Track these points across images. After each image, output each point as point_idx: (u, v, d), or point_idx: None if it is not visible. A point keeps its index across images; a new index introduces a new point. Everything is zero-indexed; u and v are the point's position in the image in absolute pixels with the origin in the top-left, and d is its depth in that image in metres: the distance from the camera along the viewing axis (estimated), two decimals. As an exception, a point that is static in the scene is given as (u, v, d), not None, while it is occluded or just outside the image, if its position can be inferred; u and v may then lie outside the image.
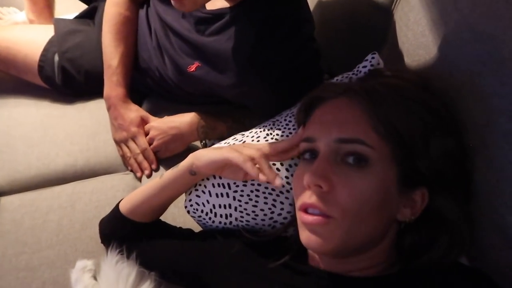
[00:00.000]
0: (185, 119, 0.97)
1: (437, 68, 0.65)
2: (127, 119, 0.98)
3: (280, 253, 0.61)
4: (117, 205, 0.75)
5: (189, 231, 0.75)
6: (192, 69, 0.89)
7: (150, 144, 0.98)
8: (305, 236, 0.52)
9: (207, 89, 0.92)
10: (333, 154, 0.53)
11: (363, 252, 0.54)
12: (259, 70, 0.82)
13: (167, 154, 0.99)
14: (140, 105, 1.05)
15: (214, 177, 0.71)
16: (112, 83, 0.98)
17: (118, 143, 1.01)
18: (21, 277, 0.83)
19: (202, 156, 0.67)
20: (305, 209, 0.52)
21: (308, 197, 0.52)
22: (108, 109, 1.01)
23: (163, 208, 0.75)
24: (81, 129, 1.06)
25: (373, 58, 0.71)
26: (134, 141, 0.98)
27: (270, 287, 0.58)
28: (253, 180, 0.69)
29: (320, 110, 0.58)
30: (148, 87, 1.08)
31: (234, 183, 0.70)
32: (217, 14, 0.84)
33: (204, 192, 0.72)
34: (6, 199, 0.95)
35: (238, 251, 0.65)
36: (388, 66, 0.72)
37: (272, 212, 0.69)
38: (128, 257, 0.71)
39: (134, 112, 0.99)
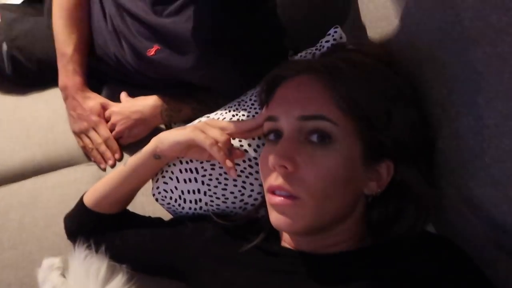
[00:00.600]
0: (147, 103, 0.94)
1: (399, 39, 0.65)
2: (86, 108, 0.93)
3: (252, 236, 0.61)
4: (81, 198, 0.73)
5: (159, 219, 0.73)
6: (151, 53, 0.85)
7: (112, 131, 0.94)
8: (274, 217, 0.52)
9: (169, 73, 0.89)
10: (296, 132, 0.52)
11: (333, 228, 0.54)
12: (221, 50, 0.79)
13: (131, 139, 0.95)
14: (99, 92, 1.01)
15: (181, 163, 0.69)
16: (68, 72, 0.93)
17: (78, 134, 0.96)
18: (-16, 281, 0.79)
19: (165, 138, 0.65)
20: (272, 191, 0.52)
21: (274, 179, 0.52)
22: (65, 99, 0.96)
23: (130, 197, 0.73)
24: (37, 121, 1.00)
25: (335, 32, 0.71)
26: (95, 130, 0.94)
27: (244, 271, 0.58)
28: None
29: (282, 89, 0.57)
30: (106, 74, 1.03)
31: (202, 167, 0.68)
32: None
33: (171, 179, 0.70)
34: (-39, 200, 0.90)
35: (211, 237, 0.64)
36: (350, 40, 0.71)
37: (242, 195, 0.68)
38: (96, 251, 0.69)
39: (93, 100, 0.95)
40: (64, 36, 0.94)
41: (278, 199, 0.51)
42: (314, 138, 0.51)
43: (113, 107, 0.96)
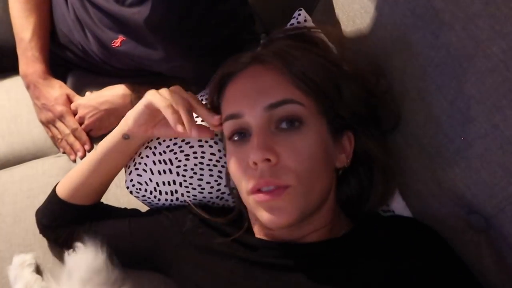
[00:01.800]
0: (116, 92, 0.90)
1: (373, 23, 0.64)
2: (50, 98, 0.89)
3: (231, 228, 0.60)
4: (54, 190, 0.70)
5: (136, 211, 0.71)
6: (117, 44, 0.81)
7: (81, 124, 0.90)
8: (267, 217, 0.50)
9: (136, 64, 0.85)
10: (266, 124, 0.52)
11: (317, 212, 0.55)
12: (188, 41, 0.76)
13: (102, 131, 0.91)
14: (64, 80, 0.96)
15: (154, 154, 0.68)
16: (28, 59, 0.88)
17: (45, 124, 0.92)
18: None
19: (129, 115, 0.63)
20: (257, 190, 0.50)
21: (258, 177, 0.50)
22: (27, 87, 0.91)
23: (104, 186, 0.70)
24: (-1, 111, 0.95)
25: (299, 15, 0.70)
26: (61, 121, 0.90)
27: (225, 262, 0.57)
28: (196, 153, 0.67)
29: (234, 85, 0.56)
30: (72, 62, 0.98)
31: (176, 158, 0.67)
32: None
33: (145, 171, 0.68)
34: None
35: (191, 228, 0.63)
36: (316, 23, 0.70)
37: (219, 184, 0.67)
38: (71, 246, 0.66)
39: (57, 89, 0.90)
40: (21, 20, 0.88)
41: (268, 196, 0.49)
42: (284, 124, 0.51)
43: (79, 99, 0.91)
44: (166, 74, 0.88)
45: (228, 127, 0.55)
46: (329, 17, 0.80)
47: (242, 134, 0.54)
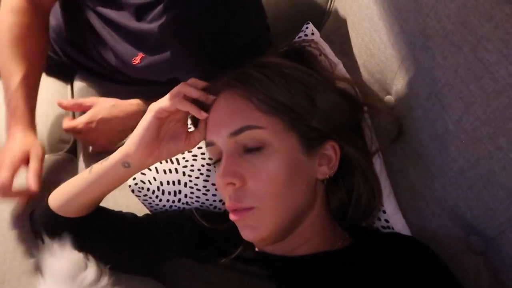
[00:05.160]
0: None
1: (382, 41, 0.65)
2: (8, 146, 0.73)
3: (229, 242, 0.60)
4: (46, 200, 0.66)
5: (133, 216, 0.69)
6: (136, 62, 0.80)
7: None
8: (243, 233, 0.54)
9: (153, 77, 0.84)
10: (234, 148, 0.54)
11: (300, 225, 0.55)
12: (209, 48, 0.75)
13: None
14: (71, 80, 0.94)
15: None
16: (12, 110, 0.76)
17: None
18: None
19: (130, 140, 0.59)
20: (232, 210, 0.53)
21: (228, 200, 0.53)
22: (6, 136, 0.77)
23: (97, 202, 0.66)
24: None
25: (307, 28, 0.71)
26: None
27: (223, 273, 0.57)
28: (204, 154, 0.67)
29: (211, 112, 0.57)
30: (81, 63, 0.96)
31: (183, 158, 0.67)
32: None
33: (150, 169, 0.68)
34: None
35: (189, 235, 0.63)
36: (324, 36, 0.72)
37: (225, 185, 0.67)
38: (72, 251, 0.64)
39: (22, 145, 0.73)
40: (10, 67, 0.78)
41: (237, 216, 0.53)
42: (248, 149, 0.53)
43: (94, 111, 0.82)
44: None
45: (209, 153, 0.59)
46: (338, 34, 0.81)
47: (218, 160, 0.57)
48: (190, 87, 0.58)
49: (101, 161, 0.62)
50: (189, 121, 0.63)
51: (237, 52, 0.79)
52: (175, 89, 0.58)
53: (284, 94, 0.54)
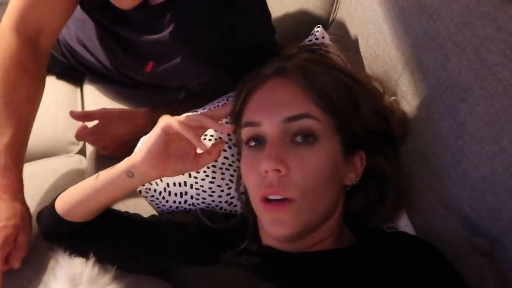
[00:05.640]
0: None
1: (386, 43, 0.66)
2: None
3: (236, 237, 0.61)
4: (54, 202, 0.66)
5: (139, 216, 0.69)
6: (148, 70, 0.82)
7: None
8: (270, 227, 0.53)
9: (163, 82, 0.86)
10: (282, 135, 0.53)
11: (321, 226, 0.55)
12: (218, 50, 0.76)
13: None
14: (80, 84, 0.96)
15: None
16: (1, 167, 0.71)
17: None
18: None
19: (138, 151, 0.60)
20: (265, 198, 0.52)
21: (267, 185, 0.51)
22: None
23: (103, 209, 0.66)
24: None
25: (317, 31, 0.71)
26: None
27: (228, 269, 0.57)
28: None
29: (257, 95, 0.57)
30: (90, 67, 0.98)
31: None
32: (165, 7, 0.77)
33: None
34: None
35: (194, 234, 0.63)
36: (333, 39, 0.72)
37: (229, 188, 0.68)
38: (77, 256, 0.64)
39: (11, 212, 0.68)
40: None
41: (274, 208, 0.51)
42: (299, 138, 0.52)
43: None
44: (190, 87, 0.88)
45: (245, 133, 0.56)
46: (343, 35, 0.82)
47: (258, 141, 0.55)
48: (207, 119, 0.59)
49: (108, 168, 0.63)
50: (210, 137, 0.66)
51: (245, 55, 0.80)
52: (193, 116, 0.59)
53: (337, 95, 0.54)
